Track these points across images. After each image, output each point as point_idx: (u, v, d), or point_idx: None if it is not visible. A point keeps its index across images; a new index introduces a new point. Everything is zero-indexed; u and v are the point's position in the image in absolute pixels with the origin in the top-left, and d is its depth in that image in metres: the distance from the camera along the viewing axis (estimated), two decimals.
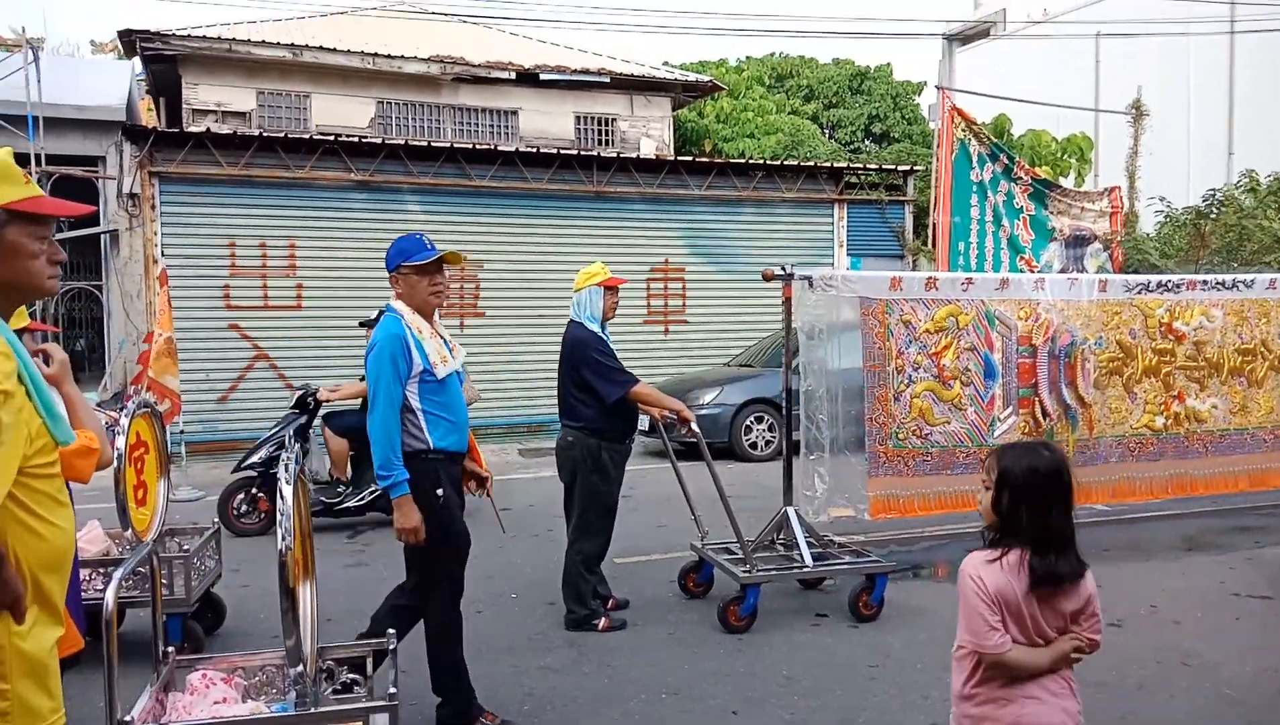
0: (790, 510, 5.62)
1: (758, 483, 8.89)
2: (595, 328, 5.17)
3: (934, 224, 11.95)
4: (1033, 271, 11.30)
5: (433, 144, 13.47)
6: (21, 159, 10.17)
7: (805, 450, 5.79)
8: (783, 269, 5.64)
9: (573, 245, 13.53)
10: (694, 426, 5.12)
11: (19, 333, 2.74)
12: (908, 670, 4.54)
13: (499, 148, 13.73)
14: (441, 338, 3.96)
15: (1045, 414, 6.26)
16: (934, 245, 11.98)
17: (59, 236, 14.36)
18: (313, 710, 2.89)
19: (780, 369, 12.09)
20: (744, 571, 5.18)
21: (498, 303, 13.30)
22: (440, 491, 3.85)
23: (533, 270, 13.38)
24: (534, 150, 13.76)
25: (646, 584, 5.93)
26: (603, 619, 5.17)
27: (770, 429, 11.06)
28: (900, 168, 16.11)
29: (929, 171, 15.66)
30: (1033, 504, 2.33)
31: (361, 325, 7.83)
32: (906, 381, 5.86)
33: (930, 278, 6.07)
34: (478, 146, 13.53)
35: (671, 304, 14.27)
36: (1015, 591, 2.31)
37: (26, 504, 1.88)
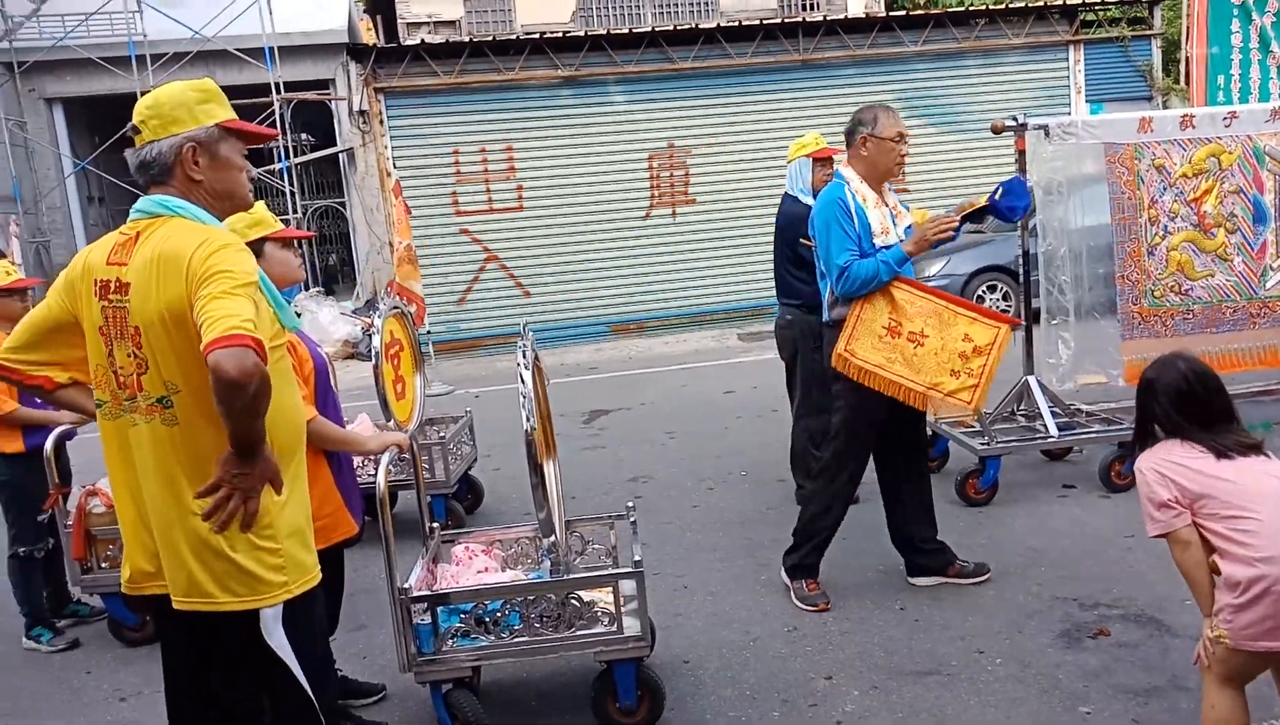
0: (1031, 379, 5.35)
1: None
2: (809, 201, 5.03)
3: (1187, 58, 10.60)
4: None
5: (634, 30, 13.35)
6: (262, 89, 10.94)
7: (1047, 316, 5.45)
8: (1014, 119, 5.22)
9: (781, 121, 13.13)
10: None
11: (263, 240, 3.04)
12: None
13: (700, 26, 13.40)
14: (887, 208, 3.90)
15: None
16: (1188, 82, 10.67)
17: (302, 159, 15.48)
18: (566, 577, 3.09)
19: (1015, 232, 11.40)
20: (982, 443, 5.01)
21: (708, 187, 13.19)
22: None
23: (741, 151, 13.14)
24: (736, 24, 13.33)
25: None
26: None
27: (1005, 298, 10.47)
28: None
29: None
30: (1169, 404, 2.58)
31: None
32: (1162, 233, 5.33)
33: (1186, 115, 5.42)
34: (678, 28, 13.26)
35: None
36: (1197, 465, 2.47)
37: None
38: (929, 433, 5.58)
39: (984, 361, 3.71)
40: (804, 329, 5.05)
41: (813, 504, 4.05)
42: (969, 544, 4.46)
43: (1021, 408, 5.45)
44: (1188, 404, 2.54)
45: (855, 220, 3.75)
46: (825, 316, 3.99)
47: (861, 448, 3.96)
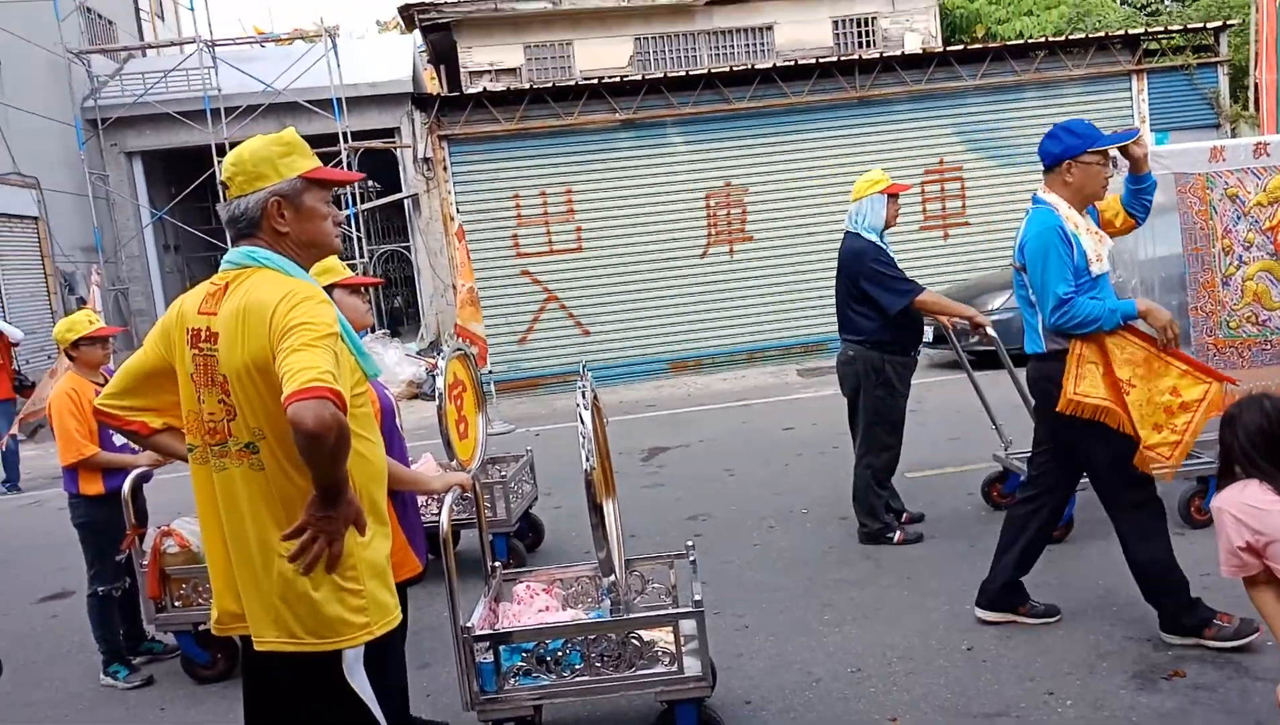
0: None
1: None
2: (873, 237, 5.00)
3: (1255, 84, 10.42)
4: None
5: (690, 73, 13.51)
6: (331, 138, 11.38)
7: None
8: None
9: (838, 157, 13.15)
10: (989, 331, 4.86)
11: (332, 287, 3.14)
12: None
13: (756, 66, 13.51)
14: (1095, 235, 3.70)
15: None
16: (1257, 109, 10.46)
17: (369, 205, 15.90)
18: (627, 616, 3.10)
19: None
20: None
21: (765, 225, 13.22)
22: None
23: (798, 188, 13.16)
24: (792, 63, 13.42)
25: (942, 497, 5.77)
26: (898, 532, 5.10)
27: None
28: (1210, 25, 14.10)
29: (1246, 24, 13.59)
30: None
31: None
32: (1236, 263, 5.19)
33: (1260, 143, 5.29)
34: (734, 69, 13.39)
35: (949, 206, 13.51)
36: (1269, 507, 2.47)
37: (352, 429, 2.15)
38: (1000, 468, 5.49)
39: (1190, 418, 3.49)
40: (866, 365, 5.02)
41: (1152, 546, 3.62)
42: (1039, 582, 4.34)
43: None
44: (1268, 444, 2.49)
45: (1074, 249, 3.57)
46: (1039, 347, 3.73)
47: (1142, 475, 3.61)
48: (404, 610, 3.46)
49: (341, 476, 1.96)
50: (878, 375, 5.02)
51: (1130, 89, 13.71)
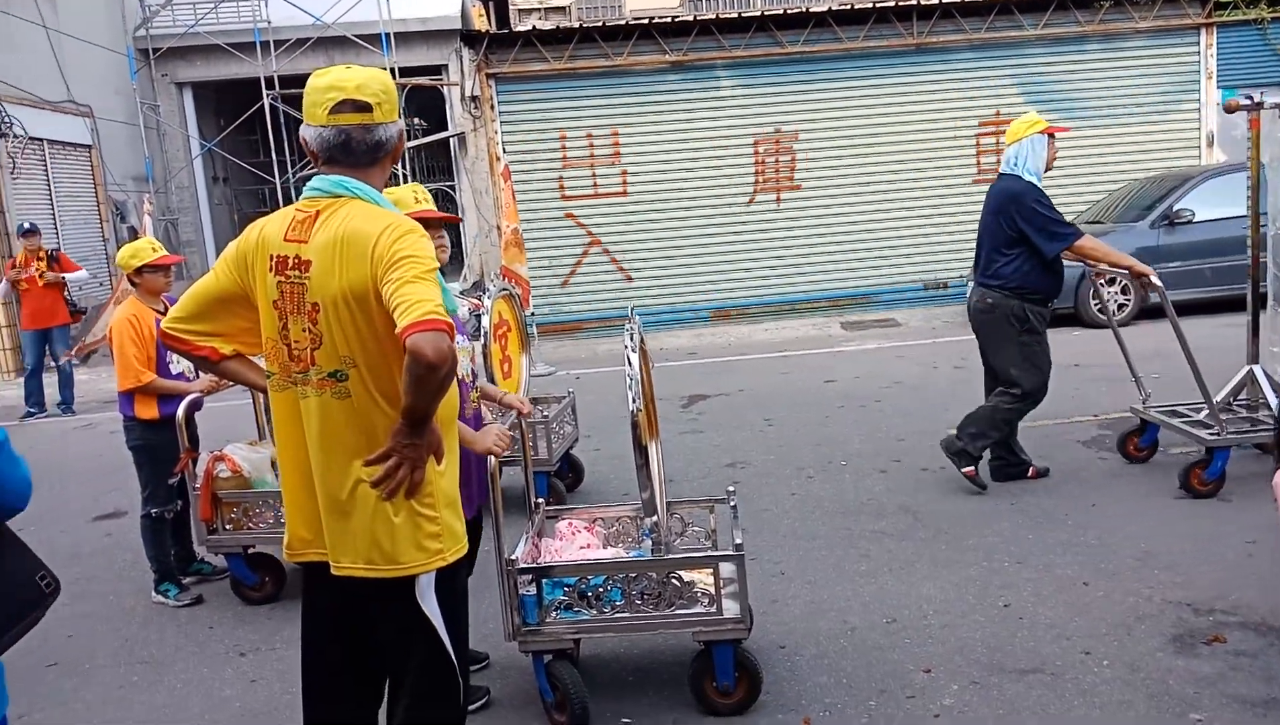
0: (1257, 368, 5.12)
1: (1109, 351, 8.19)
2: (1033, 179, 4.91)
3: None
4: None
5: (743, 14, 13.25)
6: None
7: (1273, 302, 5.23)
8: (1249, 98, 4.97)
9: (892, 107, 12.89)
10: (1154, 279, 4.81)
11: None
12: None
13: (810, 9, 13.22)
14: None
15: None
16: None
17: (415, 143, 15.83)
18: (667, 557, 3.14)
19: (1135, 223, 10.84)
20: (1211, 434, 4.81)
21: (814, 174, 13.03)
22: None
23: (850, 137, 12.93)
24: (848, 7, 13.10)
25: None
26: (1032, 468, 5.18)
27: (1124, 292, 10.06)
28: None
29: None
30: None
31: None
32: None
33: None
34: (788, 11, 13.12)
35: None
36: None
37: None
38: (1139, 422, 5.43)
39: None
40: (1008, 313, 4.96)
41: None
42: (1077, 543, 4.35)
43: (1240, 398, 5.22)
44: None
45: None
46: None
47: None
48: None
49: (435, 407, 2.00)
50: (1022, 323, 4.95)
51: (1198, 43, 13.24)
